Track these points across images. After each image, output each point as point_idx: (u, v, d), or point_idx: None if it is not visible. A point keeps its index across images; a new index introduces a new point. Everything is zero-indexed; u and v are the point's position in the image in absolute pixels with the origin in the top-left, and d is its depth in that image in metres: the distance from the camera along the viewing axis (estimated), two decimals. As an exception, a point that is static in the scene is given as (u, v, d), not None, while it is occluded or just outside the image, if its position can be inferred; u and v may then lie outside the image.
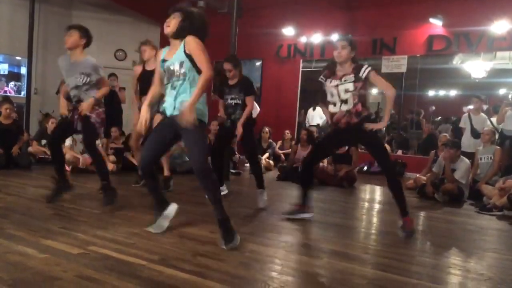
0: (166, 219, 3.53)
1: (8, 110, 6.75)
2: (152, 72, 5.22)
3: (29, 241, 3.01)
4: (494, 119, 7.89)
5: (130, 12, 11.07)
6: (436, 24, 8.87)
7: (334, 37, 9.73)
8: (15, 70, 10.48)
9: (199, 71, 3.17)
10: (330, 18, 9.92)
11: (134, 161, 6.99)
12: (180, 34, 3.22)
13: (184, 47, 3.18)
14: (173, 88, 3.22)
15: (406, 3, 9.08)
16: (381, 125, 4.05)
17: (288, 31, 10.18)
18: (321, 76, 4.11)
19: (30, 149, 7.22)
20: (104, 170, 4.42)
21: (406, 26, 9.22)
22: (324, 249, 3.40)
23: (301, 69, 10.48)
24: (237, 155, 8.58)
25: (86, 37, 4.27)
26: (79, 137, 6.83)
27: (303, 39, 10.25)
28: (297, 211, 4.26)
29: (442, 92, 11.66)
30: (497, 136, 7.33)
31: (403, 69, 9.37)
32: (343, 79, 3.95)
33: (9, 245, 2.89)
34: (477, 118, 7.76)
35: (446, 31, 8.88)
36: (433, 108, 11.53)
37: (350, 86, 3.91)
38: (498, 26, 8.21)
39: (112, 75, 8.52)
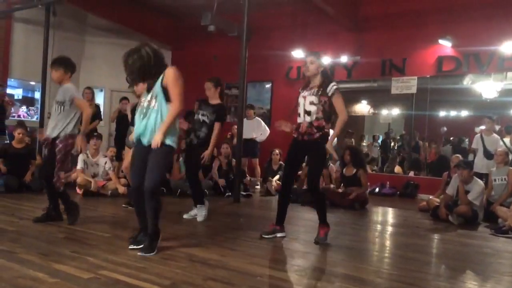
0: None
1: (20, 135, 6.87)
2: None
3: (40, 265, 3.01)
4: (506, 140, 7.81)
5: (141, 36, 11.24)
6: (446, 45, 8.89)
7: (343, 58, 9.81)
8: (29, 95, 10.66)
9: (169, 101, 3.41)
10: (339, 39, 9.98)
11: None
12: (144, 77, 3.42)
13: (162, 80, 3.39)
14: (146, 117, 3.45)
15: (415, 25, 9.11)
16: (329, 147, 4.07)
17: (297, 53, 10.26)
18: (301, 88, 4.27)
19: (42, 172, 7.27)
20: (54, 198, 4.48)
21: (415, 47, 9.23)
22: (336, 273, 3.34)
23: (311, 91, 10.51)
24: (248, 177, 8.57)
25: (71, 68, 4.48)
26: (90, 160, 6.90)
27: (312, 61, 10.31)
28: (276, 230, 4.30)
29: (453, 113, 11.60)
30: (510, 157, 7.24)
31: (413, 90, 9.34)
32: (311, 91, 4.09)
33: (21, 270, 2.89)
34: (490, 139, 7.68)
35: (455, 52, 8.88)
36: (445, 128, 11.45)
37: (315, 99, 4.03)
38: (508, 46, 8.19)
39: (124, 98, 8.63)
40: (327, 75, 4.20)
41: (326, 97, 4.02)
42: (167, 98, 3.42)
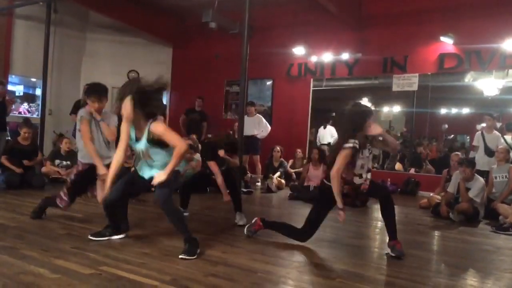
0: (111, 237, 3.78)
1: (26, 134, 7.01)
2: None
3: (41, 261, 3.02)
4: (507, 137, 7.80)
5: (142, 34, 11.24)
6: (447, 43, 8.86)
7: (345, 55, 9.79)
8: (30, 92, 10.66)
9: (163, 145, 3.39)
10: (341, 37, 9.96)
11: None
12: (144, 116, 3.35)
13: (149, 135, 3.35)
14: (147, 162, 3.52)
15: (417, 22, 9.09)
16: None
17: (299, 50, 10.23)
18: (355, 143, 3.70)
19: (43, 169, 7.29)
20: None
21: (417, 45, 9.21)
22: (337, 269, 3.35)
23: (311, 88, 10.49)
24: (249, 174, 8.57)
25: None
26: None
27: (313, 58, 10.28)
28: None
29: (454, 110, 11.59)
30: (511, 154, 7.23)
31: (415, 87, 9.32)
32: (369, 148, 3.84)
33: (22, 266, 2.90)
34: (490, 136, 7.68)
35: (457, 49, 8.86)
36: (446, 126, 11.44)
37: (375, 151, 3.89)
38: (510, 44, 8.16)
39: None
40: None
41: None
42: (162, 146, 3.39)
